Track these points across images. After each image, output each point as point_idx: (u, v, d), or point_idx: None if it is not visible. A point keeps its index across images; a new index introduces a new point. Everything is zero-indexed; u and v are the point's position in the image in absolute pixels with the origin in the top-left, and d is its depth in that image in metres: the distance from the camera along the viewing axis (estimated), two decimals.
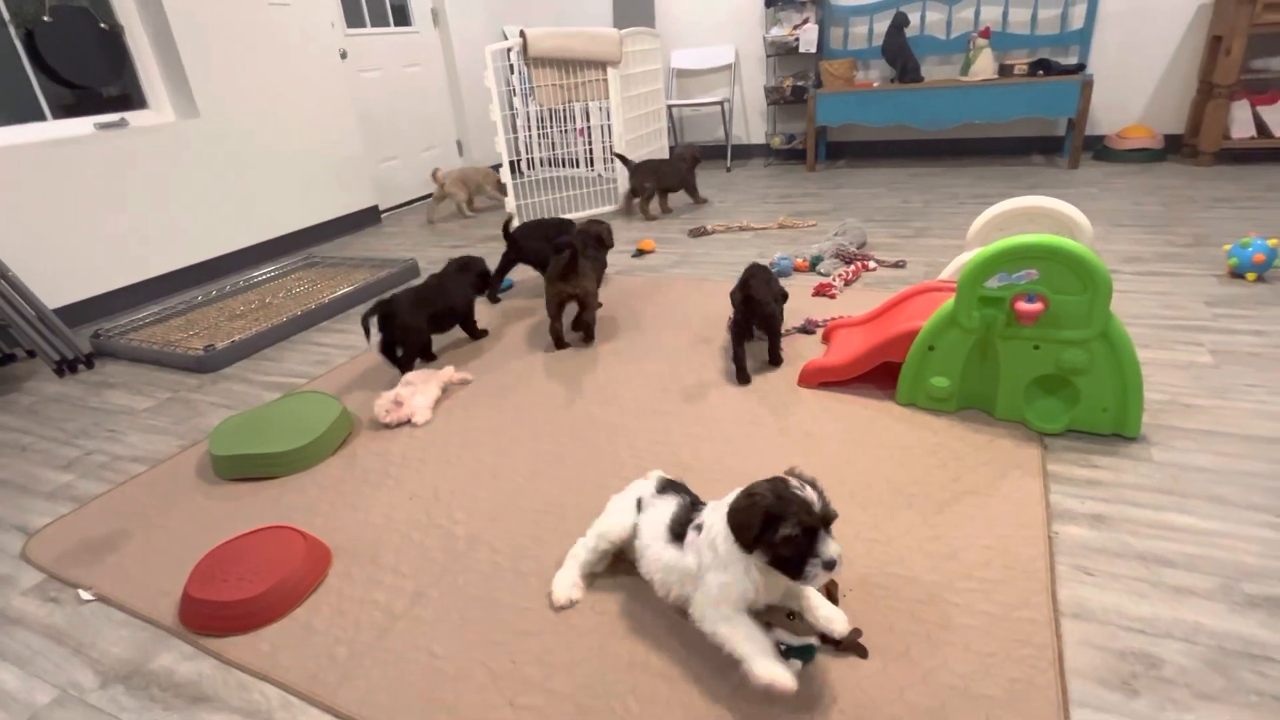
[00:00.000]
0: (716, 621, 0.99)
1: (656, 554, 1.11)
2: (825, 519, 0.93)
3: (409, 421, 1.80)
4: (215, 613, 1.18)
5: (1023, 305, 1.42)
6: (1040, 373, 1.47)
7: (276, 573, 1.23)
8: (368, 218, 4.19)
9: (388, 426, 1.80)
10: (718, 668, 1.01)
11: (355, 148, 4.02)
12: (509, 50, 4.89)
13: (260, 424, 1.74)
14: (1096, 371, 1.42)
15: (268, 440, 1.65)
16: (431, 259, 3.34)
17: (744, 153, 5.08)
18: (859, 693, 0.96)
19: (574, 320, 2.19)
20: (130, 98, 3.17)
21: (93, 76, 3.00)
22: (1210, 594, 1.06)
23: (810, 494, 0.93)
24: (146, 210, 3.05)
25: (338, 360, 2.27)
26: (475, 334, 2.30)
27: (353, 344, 2.39)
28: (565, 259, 2.03)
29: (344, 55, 4.06)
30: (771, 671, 0.91)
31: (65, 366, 2.37)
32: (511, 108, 5.18)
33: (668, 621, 1.10)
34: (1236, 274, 2.20)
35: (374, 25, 4.30)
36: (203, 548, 1.39)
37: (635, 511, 1.19)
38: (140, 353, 2.41)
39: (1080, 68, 3.84)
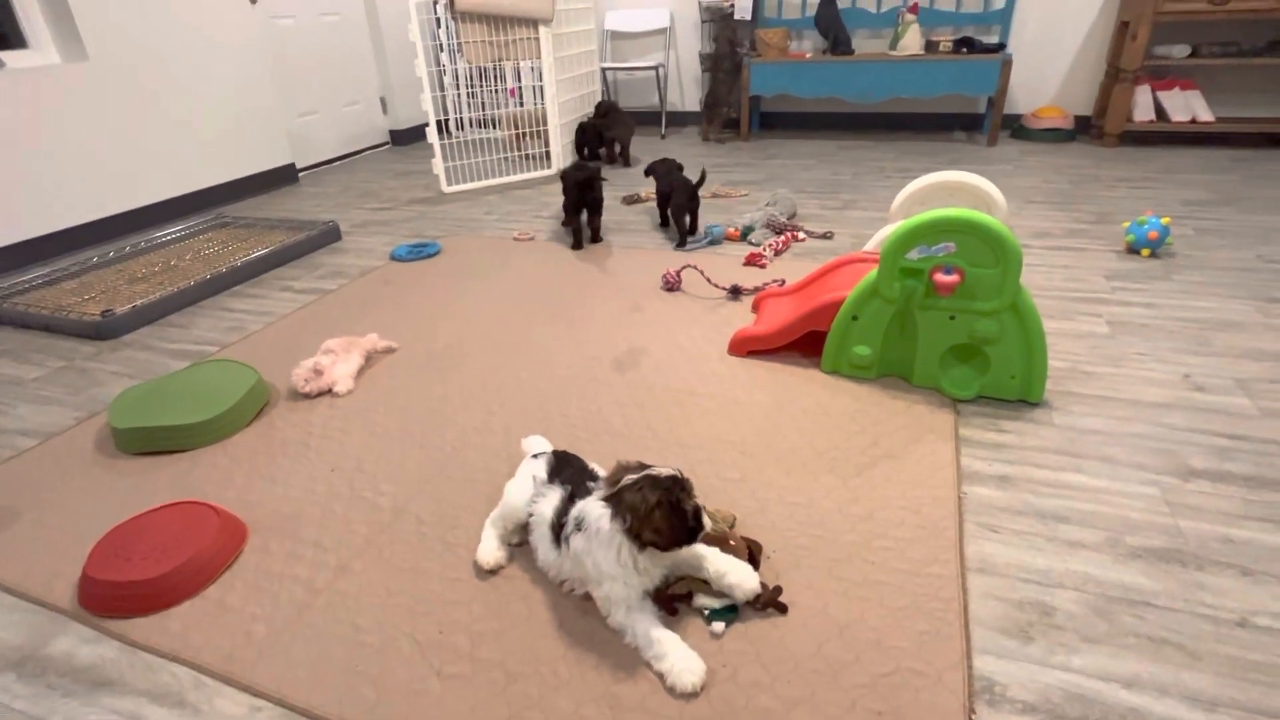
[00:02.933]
0: (621, 620, 1.01)
1: (544, 554, 1.12)
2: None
3: (330, 391, 1.73)
4: (118, 593, 1.12)
5: (940, 277, 1.48)
6: (955, 342, 1.54)
7: (186, 549, 1.17)
8: (284, 176, 3.96)
9: (307, 396, 1.72)
10: None
11: (269, 100, 3.78)
12: (435, 3, 4.67)
13: (167, 394, 1.64)
14: (1006, 341, 1.49)
15: (176, 411, 1.56)
16: (354, 220, 3.19)
17: (679, 120, 5.05)
18: (780, 648, 1.00)
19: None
20: (7, 36, 2.86)
21: None
22: (1098, 546, 1.15)
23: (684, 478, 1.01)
24: (29, 162, 2.78)
25: (252, 327, 2.15)
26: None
27: (269, 310, 2.27)
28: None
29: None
30: (682, 672, 0.94)
31: None
32: (439, 64, 4.97)
33: None
34: (1133, 250, 2.35)
35: None
36: (103, 526, 1.31)
37: (531, 491, 1.16)
38: (28, 318, 2.22)
39: (1001, 47, 3.97)
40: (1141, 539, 1.16)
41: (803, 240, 2.63)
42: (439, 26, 4.88)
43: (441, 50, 4.93)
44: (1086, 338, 1.82)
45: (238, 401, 1.59)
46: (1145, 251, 2.32)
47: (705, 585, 1.05)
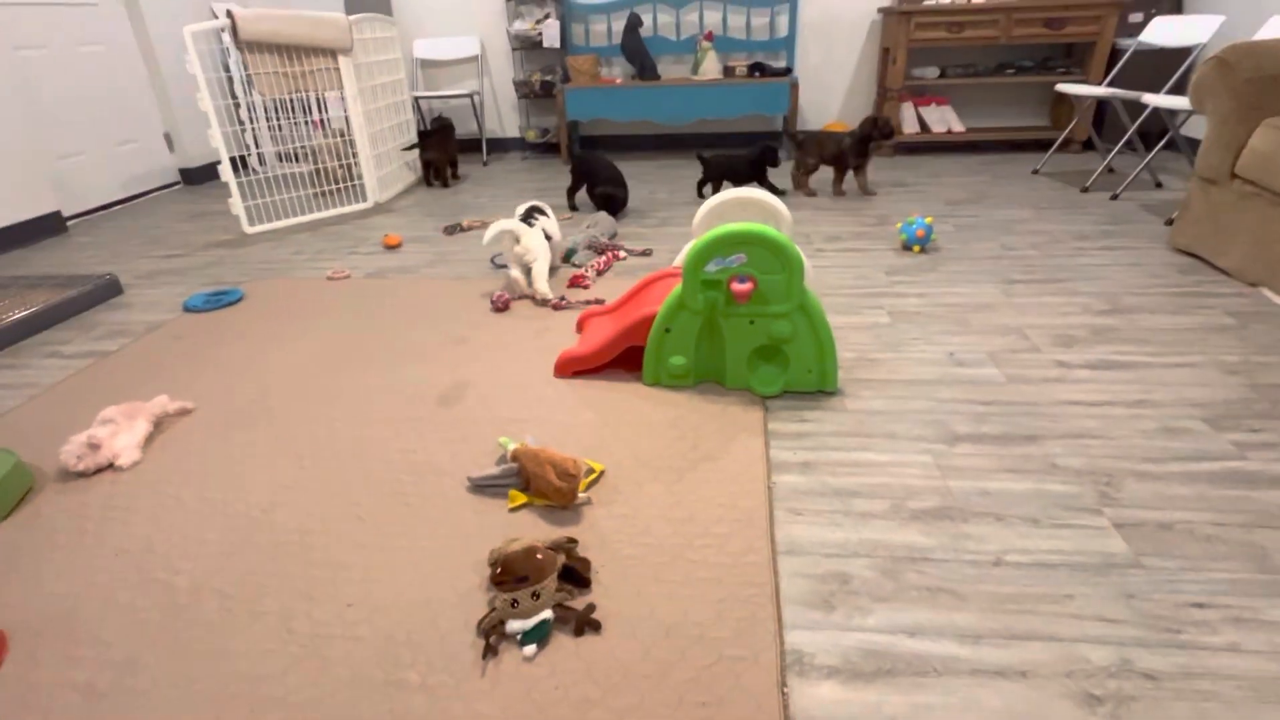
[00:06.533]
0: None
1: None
2: None
3: (111, 465, 1.54)
4: None
5: (736, 286, 1.60)
6: (757, 344, 1.67)
7: None
8: (47, 226, 3.48)
9: (82, 475, 1.52)
10: (475, 672, 1.02)
11: (18, 142, 3.31)
12: (221, 31, 4.34)
13: None
14: (799, 339, 1.64)
15: None
16: (138, 271, 2.87)
17: (500, 146, 5.05)
18: (611, 660, 1.02)
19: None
20: None
21: None
22: (885, 514, 1.30)
23: None
24: None
25: (10, 403, 1.87)
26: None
27: (32, 381, 1.98)
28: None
29: None
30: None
31: None
32: (232, 97, 4.62)
33: (429, 635, 1.08)
34: (906, 247, 2.67)
35: None
36: None
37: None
38: None
39: (788, 71, 4.37)
40: (919, 502, 1.33)
41: (623, 259, 2.72)
42: (229, 56, 4.54)
43: (234, 82, 4.58)
44: (872, 328, 2.04)
45: None
46: (916, 248, 2.65)
47: (512, 609, 1.06)
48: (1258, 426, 1.50)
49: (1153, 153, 3.24)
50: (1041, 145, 4.37)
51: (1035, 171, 3.83)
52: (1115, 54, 3.91)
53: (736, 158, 3.38)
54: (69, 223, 3.70)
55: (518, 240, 2.25)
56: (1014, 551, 1.20)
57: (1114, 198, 3.25)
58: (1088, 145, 4.21)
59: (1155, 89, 3.48)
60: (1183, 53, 3.53)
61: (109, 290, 2.60)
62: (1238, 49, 2.25)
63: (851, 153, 3.44)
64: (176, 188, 4.49)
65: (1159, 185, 3.41)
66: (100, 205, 3.94)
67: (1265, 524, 1.23)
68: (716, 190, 3.44)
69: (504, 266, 2.68)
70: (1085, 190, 3.40)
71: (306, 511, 1.37)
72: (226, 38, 3.86)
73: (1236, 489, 1.32)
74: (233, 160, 3.38)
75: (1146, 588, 1.11)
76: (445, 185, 4.10)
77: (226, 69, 4.54)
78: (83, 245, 3.32)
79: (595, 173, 3.28)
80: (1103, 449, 1.45)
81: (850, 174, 3.61)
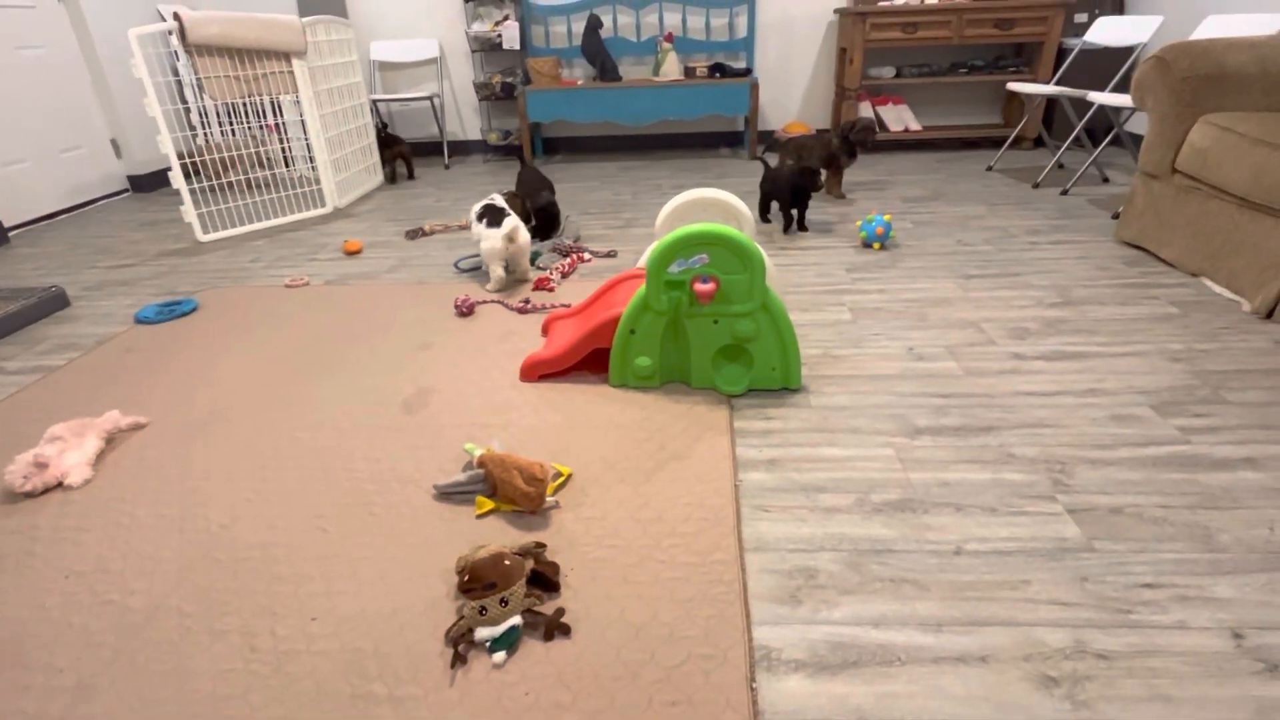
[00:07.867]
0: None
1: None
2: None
3: (60, 485, 1.49)
4: None
5: (699, 286, 1.61)
6: (722, 343, 1.68)
7: None
8: None
9: (29, 495, 1.47)
10: (444, 682, 1.01)
11: None
12: (169, 34, 4.22)
13: None
14: (763, 337, 1.66)
15: None
16: (86, 283, 2.78)
17: (463, 149, 5.01)
18: (581, 663, 1.02)
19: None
20: None
21: None
22: (849, 508, 1.32)
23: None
24: None
25: None
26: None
27: None
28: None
29: None
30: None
31: None
32: (184, 101, 4.50)
33: (396, 646, 1.07)
34: (866, 244, 2.72)
35: None
36: None
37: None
38: None
39: (748, 71, 4.41)
40: (882, 495, 1.35)
41: (588, 261, 2.72)
42: (177, 59, 4.42)
43: (183, 86, 4.46)
44: (834, 325, 2.07)
45: None
46: (876, 245, 2.70)
47: (480, 616, 1.05)
48: (1200, 411, 1.56)
49: (1099, 149, 3.35)
50: (994, 143, 4.49)
51: (989, 168, 3.93)
52: (1062, 53, 4.04)
53: (781, 177, 3.03)
54: (10, 233, 3.56)
55: (512, 240, 2.37)
56: (973, 540, 1.23)
57: (1064, 193, 3.35)
58: (1038, 142, 4.34)
59: (1101, 87, 3.60)
60: (1125, 52, 3.65)
61: (55, 303, 2.51)
62: (1175, 48, 2.34)
63: (842, 154, 3.36)
64: (125, 195, 4.35)
65: (1106, 180, 3.53)
66: (44, 215, 3.80)
67: (1209, 505, 1.28)
68: (781, 205, 3.16)
69: (468, 270, 2.66)
70: (1037, 186, 3.49)
71: (268, 524, 1.34)
72: (174, 40, 3.75)
73: (1182, 472, 1.37)
74: (184, 166, 3.29)
75: (1099, 570, 1.15)
76: (411, 176, 4.29)
77: (175, 73, 4.42)
78: (26, 256, 3.20)
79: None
80: (1056, 438, 1.50)
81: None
